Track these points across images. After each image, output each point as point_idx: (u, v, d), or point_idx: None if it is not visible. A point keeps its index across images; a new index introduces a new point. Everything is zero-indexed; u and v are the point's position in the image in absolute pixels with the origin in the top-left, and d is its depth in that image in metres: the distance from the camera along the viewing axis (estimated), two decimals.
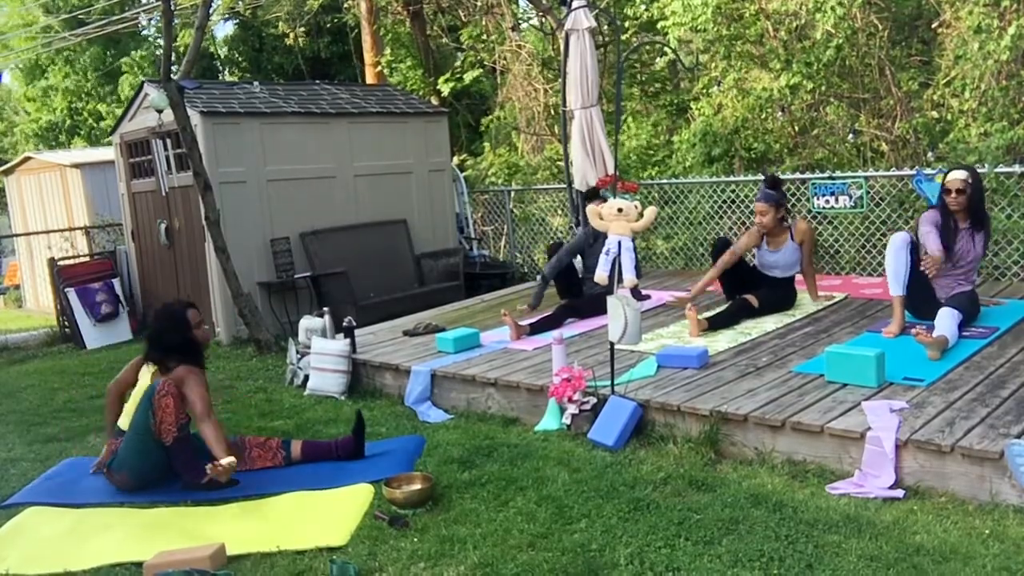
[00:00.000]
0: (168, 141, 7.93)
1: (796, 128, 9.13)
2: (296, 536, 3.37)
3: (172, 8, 7.04)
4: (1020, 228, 6.38)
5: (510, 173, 10.47)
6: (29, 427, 5.41)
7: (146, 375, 4.19)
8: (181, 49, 15.48)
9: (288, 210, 7.90)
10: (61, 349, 8.51)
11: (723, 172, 8.57)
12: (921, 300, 4.98)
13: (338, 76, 17.43)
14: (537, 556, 3.02)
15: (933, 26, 7.99)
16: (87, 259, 9.33)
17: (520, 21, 13.61)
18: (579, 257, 6.46)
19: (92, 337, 8.44)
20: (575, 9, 6.98)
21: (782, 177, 7.64)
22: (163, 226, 8.29)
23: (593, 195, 6.27)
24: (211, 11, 8.72)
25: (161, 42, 8.18)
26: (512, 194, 9.90)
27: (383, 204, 8.60)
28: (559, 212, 9.51)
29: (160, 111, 7.30)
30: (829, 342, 4.89)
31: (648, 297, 6.61)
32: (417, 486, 3.62)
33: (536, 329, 5.73)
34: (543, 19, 10.63)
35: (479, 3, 12.99)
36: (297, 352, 5.90)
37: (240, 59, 19.78)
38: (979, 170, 6.34)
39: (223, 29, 20.69)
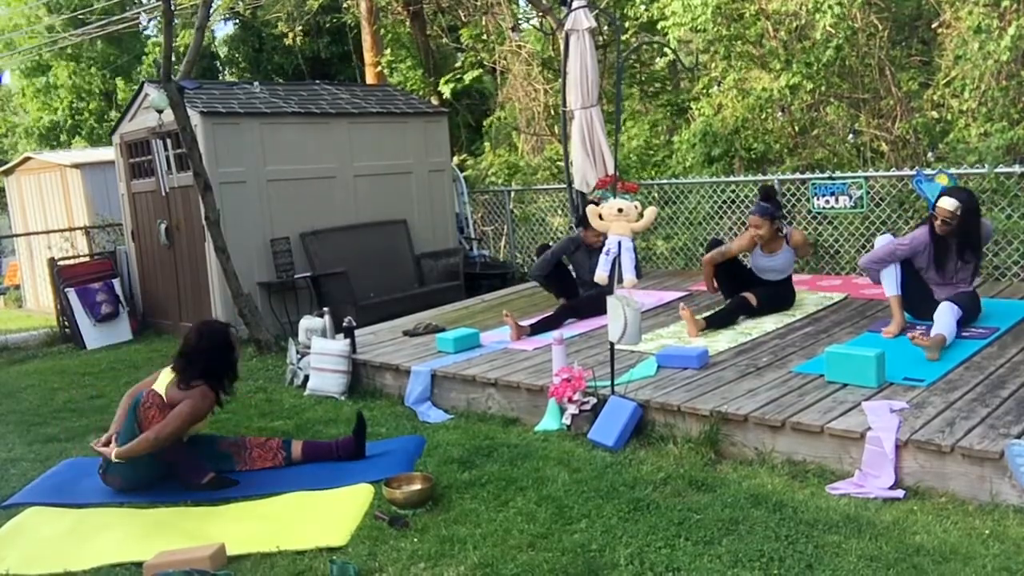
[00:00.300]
0: (168, 141, 7.92)
1: (796, 128, 9.13)
2: (296, 536, 3.37)
3: (172, 8, 7.03)
4: (1020, 228, 6.38)
5: (510, 173, 10.47)
6: (29, 427, 5.41)
7: (163, 380, 4.14)
8: (181, 49, 15.48)
9: (288, 210, 7.90)
10: (61, 349, 8.51)
11: (723, 172, 8.57)
12: (919, 300, 4.99)
13: (338, 76, 17.44)
14: (537, 556, 3.02)
15: (933, 26, 7.99)
16: (87, 259, 9.33)
17: (520, 21, 13.61)
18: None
19: (92, 337, 8.44)
20: (575, 9, 6.98)
21: (782, 177, 7.67)
22: (163, 226, 8.29)
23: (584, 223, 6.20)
24: (211, 11, 8.72)
25: (161, 42, 8.17)
26: (512, 194, 9.90)
27: (383, 204, 8.60)
28: (559, 212, 9.51)
29: (160, 111, 7.30)
30: (829, 342, 4.89)
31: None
32: (417, 486, 3.63)
33: (536, 329, 5.73)
34: (543, 19, 10.63)
35: (479, 3, 12.99)
36: (297, 352, 5.90)
37: (240, 59, 19.79)
38: (979, 170, 6.37)
39: (223, 29, 20.71)
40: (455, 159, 10.83)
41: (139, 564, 3.20)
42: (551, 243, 7.02)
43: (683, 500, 3.40)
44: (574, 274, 6.47)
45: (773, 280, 5.81)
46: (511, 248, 9.86)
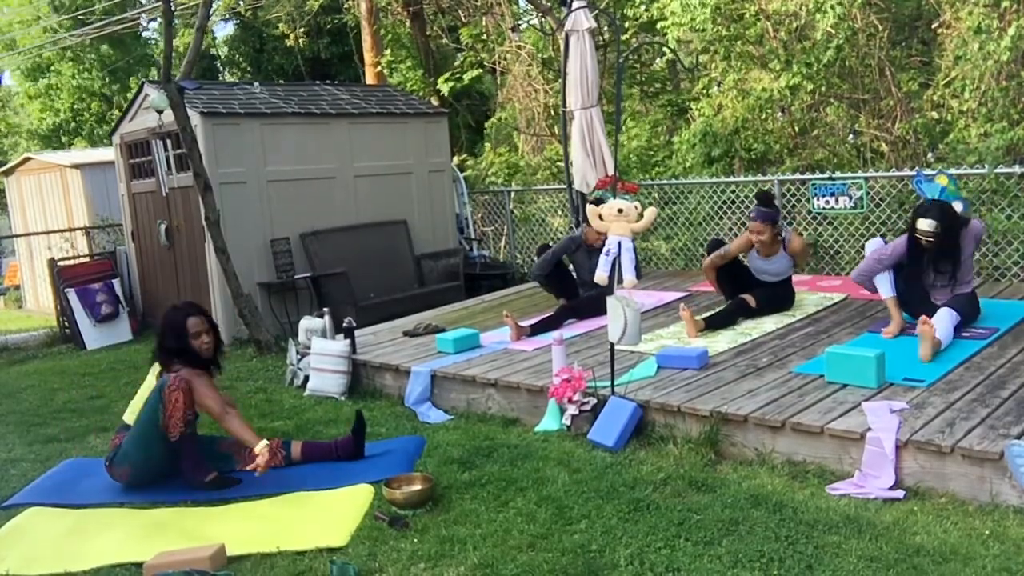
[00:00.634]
0: (168, 142, 7.92)
1: (796, 129, 9.13)
2: (296, 536, 3.37)
3: (172, 9, 7.04)
4: (1020, 229, 6.37)
5: (510, 173, 10.47)
6: (29, 428, 5.41)
7: (152, 375, 4.19)
8: (181, 50, 15.49)
9: (288, 210, 7.90)
10: (61, 350, 8.51)
11: (723, 173, 8.57)
12: (918, 300, 4.98)
13: (338, 77, 17.45)
14: (537, 557, 3.02)
15: (933, 27, 7.99)
16: (87, 260, 9.33)
17: (520, 22, 13.61)
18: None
19: (92, 338, 8.44)
20: (575, 10, 6.99)
21: (782, 178, 7.66)
22: (163, 227, 8.29)
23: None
24: (211, 12, 8.72)
25: (161, 42, 8.17)
26: (512, 195, 9.90)
27: (383, 205, 8.60)
28: (559, 213, 9.51)
29: (160, 112, 7.30)
30: (829, 343, 4.89)
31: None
32: (417, 487, 3.63)
33: (536, 330, 5.73)
34: (543, 20, 10.63)
35: (479, 3, 12.99)
36: (297, 353, 5.90)
37: (240, 60, 19.80)
38: (979, 171, 6.37)
39: (223, 30, 20.72)
40: (455, 159, 10.83)
41: (139, 564, 3.20)
42: (551, 243, 7.03)
43: (683, 500, 3.40)
44: (574, 274, 6.47)
45: (772, 281, 5.81)
46: (511, 248, 9.87)
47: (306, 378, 5.71)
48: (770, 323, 5.53)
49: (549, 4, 9.12)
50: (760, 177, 7.96)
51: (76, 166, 11.21)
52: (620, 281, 4.38)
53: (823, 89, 8.48)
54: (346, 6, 15.03)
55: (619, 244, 4.29)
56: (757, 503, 3.31)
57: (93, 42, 19.77)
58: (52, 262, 8.86)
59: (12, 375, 7.37)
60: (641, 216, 4.33)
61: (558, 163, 10.02)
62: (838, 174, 7.29)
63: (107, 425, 5.09)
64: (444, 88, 12.41)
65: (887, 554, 2.86)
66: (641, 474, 3.69)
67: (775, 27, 8.84)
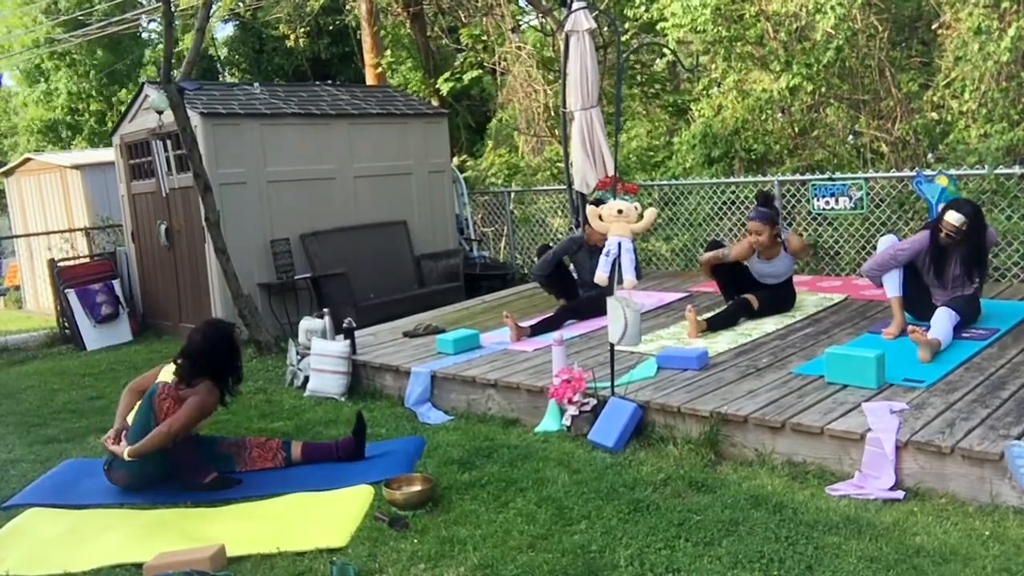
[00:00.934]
0: (168, 142, 7.93)
1: (796, 129, 9.13)
2: (296, 537, 3.37)
3: (172, 10, 7.04)
4: (1020, 229, 6.38)
5: (510, 174, 10.47)
6: (29, 428, 5.41)
7: (165, 376, 4.15)
8: (182, 52, 15.49)
9: (288, 211, 7.90)
10: (61, 350, 8.51)
11: (723, 173, 8.57)
12: (920, 302, 4.99)
13: (338, 77, 17.45)
14: (537, 557, 3.02)
15: (933, 27, 8.00)
16: (87, 260, 9.33)
17: (520, 23, 13.62)
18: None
19: (92, 338, 8.44)
20: (575, 10, 6.99)
21: (782, 179, 7.67)
22: (163, 227, 8.29)
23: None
24: (211, 12, 8.72)
25: (161, 44, 8.18)
26: (512, 195, 9.90)
27: (383, 205, 8.60)
28: (559, 213, 9.51)
29: (160, 112, 7.30)
30: (829, 343, 4.89)
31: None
32: (417, 487, 3.63)
33: (536, 330, 5.73)
34: (543, 20, 10.64)
35: (479, 4, 13.00)
36: (297, 353, 5.90)
37: (240, 60, 19.80)
38: (979, 171, 6.37)
39: (223, 31, 20.71)
40: (455, 160, 10.84)
41: (139, 565, 3.20)
42: (551, 244, 7.03)
43: (683, 501, 3.40)
44: (575, 275, 6.47)
45: (773, 284, 5.81)
46: (511, 249, 9.87)
47: (306, 379, 5.71)
48: (770, 324, 5.53)
49: (549, 5, 9.13)
50: (760, 178, 7.96)
51: (76, 167, 11.21)
52: (620, 282, 4.38)
53: (823, 90, 8.49)
54: (346, 7, 15.03)
55: (619, 245, 4.29)
56: (757, 504, 3.31)
57: (90, 44, 19.76)
58: (52, 263, 8.86)
59: (12, 375, 7.37)
60: (641, 217, 4.34)
61: (558, 164, 10.02)
62: (838, 175, 7.29)
63: (107, 426, 5.04)
64: (444, 88, 12.41)
65: (887, 555, 2.86)
66: (641, 475, 3.69)
67: (775, 28, 8.84)
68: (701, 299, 6.46)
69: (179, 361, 4.13)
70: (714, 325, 5.44)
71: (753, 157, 8.94)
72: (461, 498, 3.61)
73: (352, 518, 3.50)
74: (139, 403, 4.05)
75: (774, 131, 9.07)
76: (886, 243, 5.00)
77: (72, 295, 8.52)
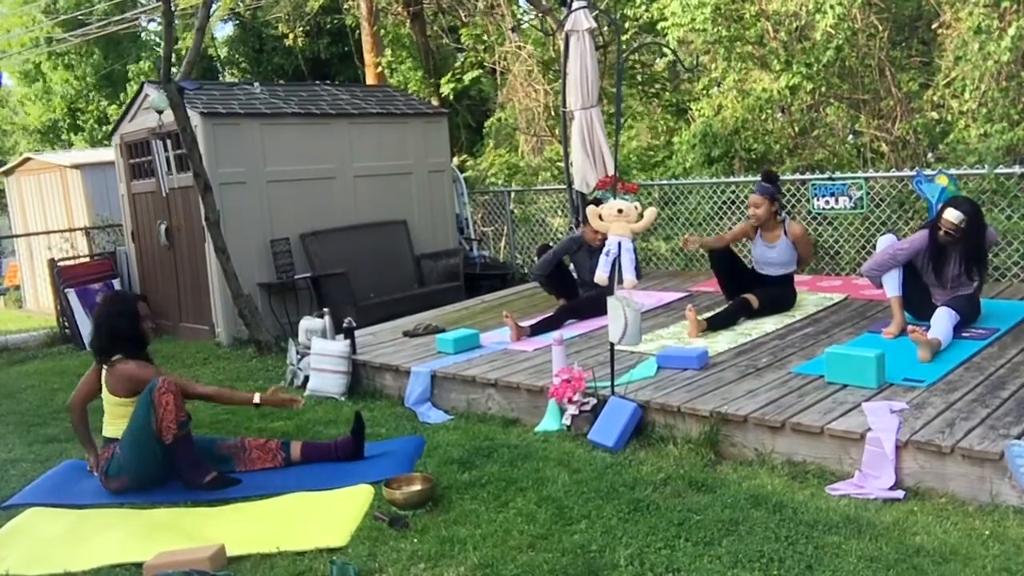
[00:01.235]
0: (168, 142, 7.92)
1: (796, 129, 9.13)
2: (296, 537, 3.37)
3: (172, 10, 7.03)
4: (1020, 229, 6.38)
5: (510, 174, 10.47)
6: (29, 428, 5.40)
7: (102, 376, 4.14)
8: (182, 51, 15.49)
9: (288, 211, 7.90)
10: (61, 350, 8.51)
11: (723, 173, 8.57)
12: (919, 301, 4.99)
13: (338, 77, 17.45)
14: (537, 557, 3.02)
15: (933, 27, 8.00)
16: (87, 260, 9.33)
17: (520, 23, 13.62)
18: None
19: None
20: (575, 10, 6.99)
21: (782, 178, 7.66)
22: (163, 227, 8.29)
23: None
24: (211, 12, 8.72)
25: (161, 44, 8.18)
26: (512, 195, 9.90)
27: (383, 205, 8.60)
28: (559, 213, 9.51)
29: (160, 112, 7.30)
30: (829, 343, 4.89)
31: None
32: (417, 487, 3.62)
33: (536, 330, 5.73)
34: (543, 20, 10.63)
35: (479, 4, 12.99)
36: (297, 353, 5.90)
37: (240, 60, 19.79)
38: (979, 171, 6.37)
39: (223, 30, 20.71)
40: (455, 160, 10.84)
41: (139, 565, 3.20)
42: (551, 243, 7.03)
43: (683, 501, 3.40)
44: (575, 274, 6.47)
45: (774, 276, 5.80)
46: (511, 249, 9.87)
47: (306, 378, 5.71)
48: (770, 323, 5.53)
49: (549, 4, 9.12)
50: (760, 178, 7.94)
51: (76, 166, 11.22)
52: (620, 281, 4.38)
53: (823, 89, 8.49)
54: (346, 6, 15.03)
55: (619, 244, 4.29)
56: (757, 503, 3.31)
57: (87, 45, 19.74)
58: (52, 262, 8.86)
59: (12, 375, 7.37)
60: (641, 216, 4.33)
61: (558, 163, 10.02)
62: (838, 174, 7.29)
63: None
64: (446, 88, 12.41)
65: (887, 554, 2.86)
66: (641, 474, 3.69)
67: (775, 27, 8.85)
68: (701, 299, 6.46)
69: (91, 342, 4.27)
70: (714, 325, 5.44)
71: (753, 157, 8.94)
72: (461, 498, 3.61)
73: (352, 518, 3.50)
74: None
75: (774, 131, 9.08)
76: (885, 243, 5.00)
77: (72, 295, 8.52)
